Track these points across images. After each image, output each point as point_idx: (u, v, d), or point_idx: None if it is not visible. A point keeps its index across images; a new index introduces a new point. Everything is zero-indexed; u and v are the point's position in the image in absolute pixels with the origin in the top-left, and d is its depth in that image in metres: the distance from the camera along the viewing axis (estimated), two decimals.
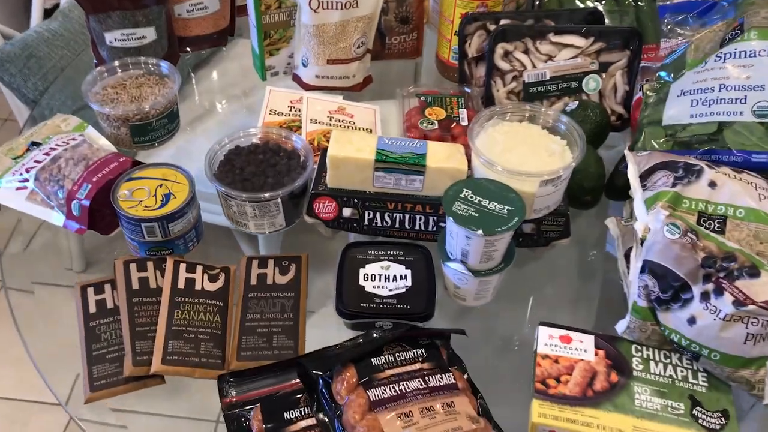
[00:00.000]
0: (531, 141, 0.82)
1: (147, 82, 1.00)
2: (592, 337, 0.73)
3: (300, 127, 1.02)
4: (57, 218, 0.85)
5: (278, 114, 1.04)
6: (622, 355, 0.72)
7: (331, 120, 1.03)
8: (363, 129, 1.03)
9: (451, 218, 0.72)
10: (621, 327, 0.75)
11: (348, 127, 1.03)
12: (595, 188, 0.90)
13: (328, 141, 0.99)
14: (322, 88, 1.10)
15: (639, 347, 0.72)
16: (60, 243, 1.03)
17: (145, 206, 0.80)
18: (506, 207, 0.73)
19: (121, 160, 0.86)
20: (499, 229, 0.71)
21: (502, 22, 1.03)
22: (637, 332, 0.74)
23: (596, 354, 0.71)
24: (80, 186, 0.83)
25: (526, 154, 0.80)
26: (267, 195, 0.81)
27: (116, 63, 1.00)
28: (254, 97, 1.16)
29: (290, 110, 1.06)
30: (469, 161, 0.82)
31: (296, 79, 1.11)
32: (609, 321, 0.77)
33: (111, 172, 0.84)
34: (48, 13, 1.47)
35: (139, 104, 0.95)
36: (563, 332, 0.73)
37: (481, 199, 0.74)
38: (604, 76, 1.03)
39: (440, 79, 1.17)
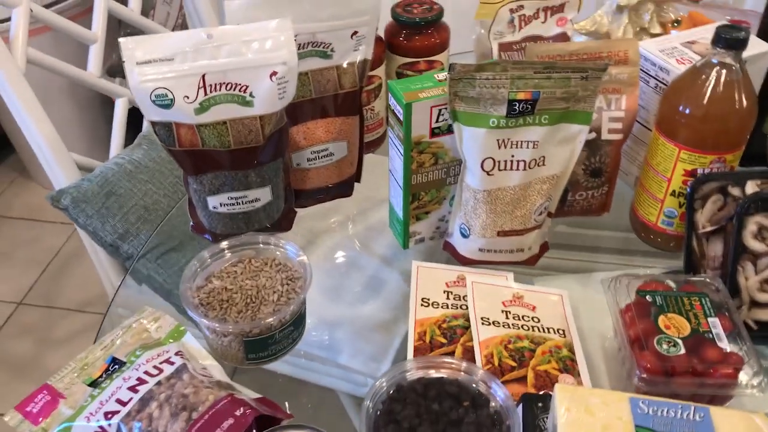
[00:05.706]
0: None
1: (266, 269, 0.74)
2: None
3: (467, 328, 0.74)
4: None
5: (432, 305, 0.77)
6: None
7: (507, 317, 0.76)
8: (552, 329, 0.75)
9: None
10: None
11: (533, 329, 0.75)
12: None
13: (510, 358, 0.71)
14: (486, 263, 0.83)
15: None
16: None
17: None
18: None
19: (237, 414, 0.60)
20: None
21: (749, 184, 0.75)
22: None
23: None
24: None
25: None
26: None
27: (224, 245, 0.75)
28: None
29: (447, 297, 0.79)
30: None
31: (449, 248, 0.85)
32: None
33: None
34: (130, 138, 1.26)
35: (256, 313, 0.69)
36: None
37: None
38: None
39: (628, 242, 0.89)
